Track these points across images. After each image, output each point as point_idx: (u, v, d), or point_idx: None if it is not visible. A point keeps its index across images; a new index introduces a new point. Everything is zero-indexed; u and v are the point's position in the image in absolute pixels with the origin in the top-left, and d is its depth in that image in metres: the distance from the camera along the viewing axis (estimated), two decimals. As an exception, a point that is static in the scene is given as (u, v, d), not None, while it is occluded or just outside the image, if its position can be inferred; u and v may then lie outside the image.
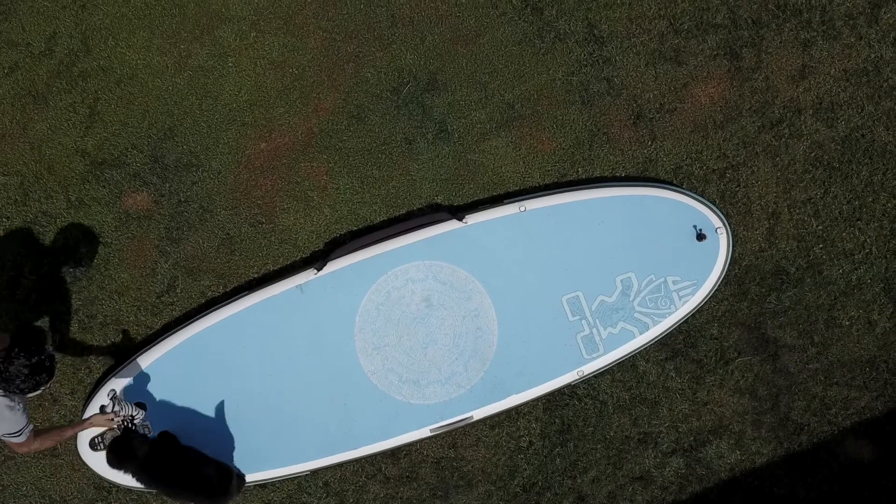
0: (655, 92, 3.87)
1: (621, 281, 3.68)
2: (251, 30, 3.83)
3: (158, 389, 3.63)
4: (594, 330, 3.68)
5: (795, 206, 3.91)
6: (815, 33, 3.87)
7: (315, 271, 3.64)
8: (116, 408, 3.37)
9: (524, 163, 3.87)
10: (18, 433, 3.11)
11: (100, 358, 3.83)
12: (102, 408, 3.41)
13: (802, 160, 3.90)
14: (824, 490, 4.00)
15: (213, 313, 3.67)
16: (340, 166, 3.85)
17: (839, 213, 3.92)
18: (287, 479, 3.76)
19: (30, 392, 3.00)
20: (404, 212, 3.87)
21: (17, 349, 2.95)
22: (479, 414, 3.68)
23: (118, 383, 3.63)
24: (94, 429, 3.56)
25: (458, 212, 3.72)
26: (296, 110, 3.83)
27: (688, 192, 3.75)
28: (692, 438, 3.96)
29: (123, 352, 3.83)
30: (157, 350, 3.66)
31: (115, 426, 3.38)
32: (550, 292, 3.67)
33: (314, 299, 3.63)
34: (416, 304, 3.65)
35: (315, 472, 3.77)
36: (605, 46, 3.86)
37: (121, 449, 3.31)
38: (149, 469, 3.31)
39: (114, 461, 3.31)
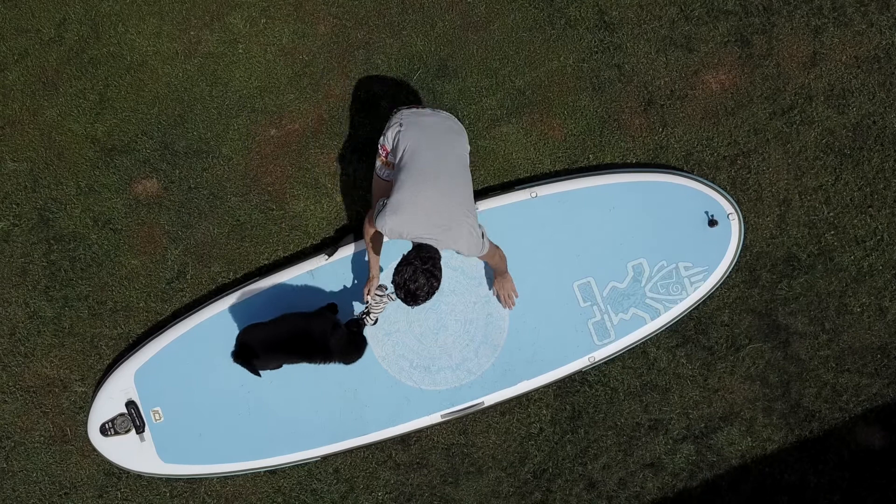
0: (666, 79, 3.86)
1: (633, 267, 3.68)
2: (261, 16, 3.82)
3: (168, 375, 3.64)
4: (605, 316, 3.68)
5: (806, 192, 3.90)
6: (827, 20, 3.86)
7: (326, 257, 3.64)
8: (374, 301, 3.30)
9: (535, 149, 3.86)
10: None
11: (110, 344, 3.83)
12: (382, 288, 3.33)
13: (813, 147, 3.89)
14: (835, 477, 3.99)
15: (224, 299, 3.66)
16: (351, 152, 3.84)
17: (850, 199, 3.91)
18: (297, 465, 3.76)
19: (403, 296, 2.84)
20: (414, 198, 3.86)
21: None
22: (489, 400, 3.68)
23: (136, 363, 3.65)
24: (99, 412, 3.60)
25: (469, 198, 3.71)
26: (306, 97, 3.83)
27: (699, 179, 3.74)
28: (703, 425, 3.96)
29: (134, 338, 3.83)
30: (167, 336, 3.66)
31: (368, 300, 3.33)
32: (561, 278, 3.66)
33: (325, 285, 3.63)
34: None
35: (325, 458, 3.77)
36: (616, 33, 3.85)
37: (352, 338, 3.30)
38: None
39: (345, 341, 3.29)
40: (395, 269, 2.85)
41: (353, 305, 3.65)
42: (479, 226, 3.00)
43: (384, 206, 2.92)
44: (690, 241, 3.68)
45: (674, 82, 3.86)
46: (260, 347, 3.30)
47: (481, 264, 3.64)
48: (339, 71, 3.83)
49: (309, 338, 3.25)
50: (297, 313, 3.37)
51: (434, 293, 2.86)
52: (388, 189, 3.01)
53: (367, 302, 3.35)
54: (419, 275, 2.80)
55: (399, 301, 2.96)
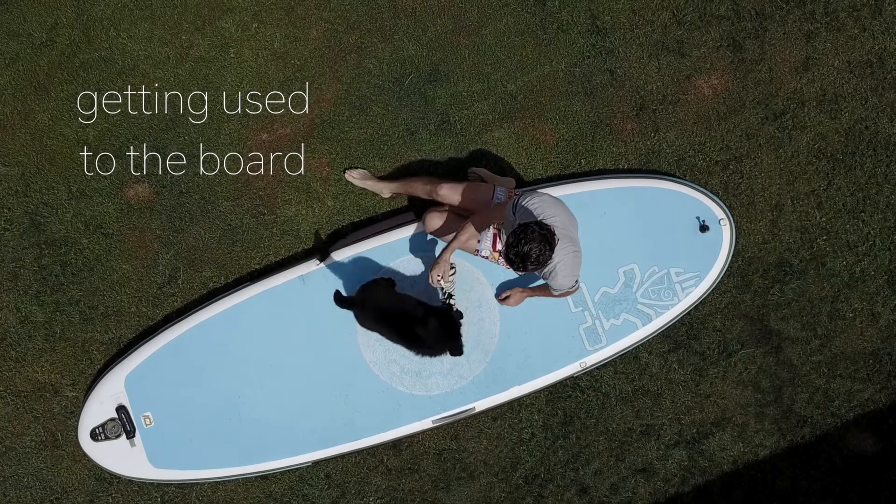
0: (658, 83, 3.86)
1: (624, 272, 3.67)
2: (253, 20, 3.82)
3: (159, 380, 3.63)
4: (597, 321, 3.67)
5: (799, 197, 3.89)
6: (819, 25, 3.86)
7: (317, 262, 3.63)
8: (442, 280, 3.30)
9: (527, 154, 3.86)
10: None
11: (101, 349, 3.83)
12: (451, 277, 3.34)
13: (806, 152, 3.89)
14: (827, 482, 3.99)
15: (215, 304, 3.66)
16: (342, 157, 3.84)
17: (842, 204, 3.91)
18: (289, 470, 3.75)
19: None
20: (406, 203, 3.86)
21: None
22: (481, 405, 3.67)
23: (127, 368, 3.65)
24: (89, 417, 3.61)
25: (461, 203, 3.71)
26: (297, 101, 3.82)
27: (691, 184, 3.74)
28: (695, 431, 3.95)
29: (125, 343, 3.83)
30: (158, 341, 3.66)
31: (442, 283, 3.32)
32: (553, 284, 3.65)
33: (316, 290, 3.62)
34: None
35: (317, 464, 3.77)
36: (608, 38, 3.85)
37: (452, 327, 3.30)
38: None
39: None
40: (512, 231, 2.88)
41: (345, 310, 3.63)
42: (578, 280, 3.19)
43: (533, 195, 3.08)
44: (682, 247, 3.67)
45: (666, 87, 3.86)
46: (370, 306, 3.34)
47: (473, 271, 3.63)
48: (330, 75, 3.83)
49: (406, 320, 3.29)
50: (416, 300, 3.39)
51: (542, 265, 2.88)
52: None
53: (442, 288, 3.31)
54: (536, 238, 2.82)
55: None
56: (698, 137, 3.87)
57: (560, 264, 3.01)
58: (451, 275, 3.38)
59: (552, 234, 2.89)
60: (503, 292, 3.54)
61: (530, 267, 2.86)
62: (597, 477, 3.96)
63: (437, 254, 3.61)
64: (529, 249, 2.82)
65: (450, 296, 3.33)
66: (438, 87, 3.83)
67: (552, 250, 2.88)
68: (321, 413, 3.64)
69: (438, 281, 3.28)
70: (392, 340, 3.41)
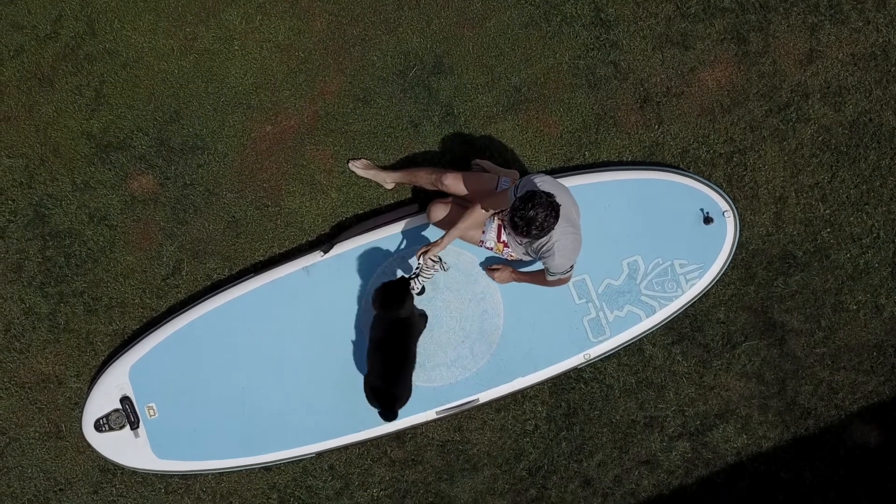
0: (662, 76, 3.86)
1: (628, 264, 3.67)
2: (257, 13, 3.82)
3: (163, 371, 3.63)
4: (601, 313, 3.67)
5: (803, 190, 3.89)
6: (823, 17, 3.86)
7: (321, 254, 3.63)
8: (428, 264, 3.27)
9: (530, 146, 3.86)
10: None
11: (105, 340, 3.83)
12: (435, 262, 3.29)
13: (810, 144, 3.89)
14: (831, 474, 3.99)
15: (219, 296, 3.66)
16: (346, 149, 3.84)
17: (846, 197, 3.91)
18: (292, 461, 3.75)
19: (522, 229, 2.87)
20: (410, 195, 3.86)
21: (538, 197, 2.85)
22: (484, 397, 3.67)
23: (131, 359, 3.66)
24: (94, 408, 3.62)
25: (465, 195, 3.71)
26: (302, 93, 3.83)
27: (695, 176, 3.73)
28: (698, 422, 3.95)
29: (129, 334, 3.83)
30: (162, 332, 3.66)
31: (420, 262, 3.28)
32: (557, 275, 3.65)
33: (320, 282, 3.63)
34: (421, 286, 3.63)
35: (320, 455, 3.77)
36: (612, 30, 3.85)
37: (395, 290, 3.22)
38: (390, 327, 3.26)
39: (383, 295, 3.23)
40: (519, 197, 2.88)
41: (349, 301, 3.64)
42: (573, 268, 3.18)
43: (538, 176, 3.07)
44: (686, 239, 3.67)
45: (670, 79, 3.86)
46: (391, 385, 3.30)
47: (475, 262, 3.63)
48: (334, 67, 3.83)
49: (394, 330, 3.28)
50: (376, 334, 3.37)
51: (546, 232, 2.89)
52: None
53: (419, 264, 3.29)
54: (543, 204, 2.83)
55: (442, 273, 3.18)
56: (702, 130, 3.87)
57: (558, 243, 3.01)
58: (445, 266, 3.36)
59: (557, 205, 2.90)
60: (494, 265, 3.54)
61: (534, 232, 2.86)
62: (600, 469, 3.96)
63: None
64: (536, 214, 2.83)
65: (423, 289, 3.31)
66: (442, 80, 3.84)
67: (557, 219, 2.89)
68: (325, 404, 3.65)
69: (429, 262, 3.26)
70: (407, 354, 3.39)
